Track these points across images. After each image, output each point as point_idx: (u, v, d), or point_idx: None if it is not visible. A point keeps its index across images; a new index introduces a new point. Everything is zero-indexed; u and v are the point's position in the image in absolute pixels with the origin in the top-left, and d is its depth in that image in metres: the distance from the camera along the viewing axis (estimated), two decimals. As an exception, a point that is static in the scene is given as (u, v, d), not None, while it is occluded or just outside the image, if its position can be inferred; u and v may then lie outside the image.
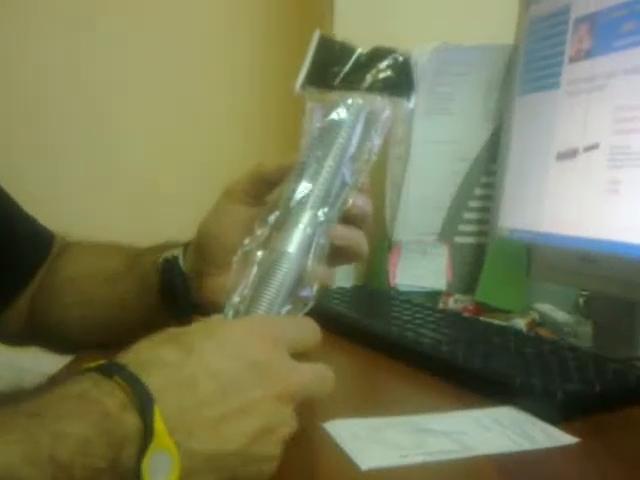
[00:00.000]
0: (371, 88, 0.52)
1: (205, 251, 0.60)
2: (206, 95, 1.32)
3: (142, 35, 1.28)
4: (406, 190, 1.01)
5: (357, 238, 0.54)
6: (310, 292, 0.49)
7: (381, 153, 0.53)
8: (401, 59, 0.53)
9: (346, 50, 0.53)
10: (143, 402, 0.36)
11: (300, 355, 0.44)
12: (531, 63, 0.90)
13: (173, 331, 0.42)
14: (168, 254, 0.64)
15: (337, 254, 0.53)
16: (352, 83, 0.52)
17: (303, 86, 0.53)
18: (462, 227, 1.03)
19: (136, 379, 0.37)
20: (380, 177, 1.02)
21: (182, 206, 1.18)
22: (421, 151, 1.01)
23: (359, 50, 0.53)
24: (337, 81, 0.52)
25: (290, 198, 0.50)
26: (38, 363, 0.75)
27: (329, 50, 0.54)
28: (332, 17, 1.16)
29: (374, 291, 1.03)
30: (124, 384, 0.37)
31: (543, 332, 0.82)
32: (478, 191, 1.02)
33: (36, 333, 0.73)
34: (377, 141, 0.52)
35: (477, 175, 1.02)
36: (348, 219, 0.53)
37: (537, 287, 0.92)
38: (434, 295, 1.00)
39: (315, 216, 0.49)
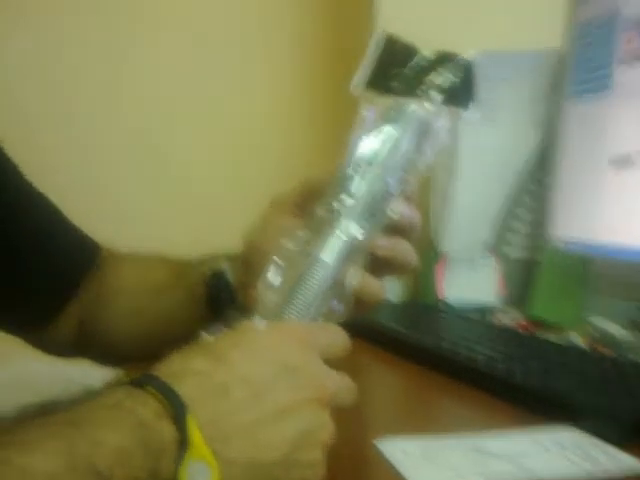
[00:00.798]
0: (430, 95, 0.50)
1: (252, 263, 0.59)
2: (249, 103, 1.31)
3: (186, 42, 1.28)
4: (453, 201, 0.99)
5: (402, 249, 0.52)
6: (342, 303, 0.47)
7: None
8: (464, 65, 0.50)
9: (409, 51, 0.51)
10: (177, 411, 0.36)
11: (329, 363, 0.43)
12: (580, 67, 0.88)
13: (203, 341, 0.42)
14: (215, 266, 0.63)
15: (383, 266, 0.51)
16: (411, 87, 0.50)
17: (360, 86, 0.51)
18: (512, 238, 1.00)
19: (169, 389, 0.37)
20: (426, 187, 1.00)
21: (228, 216, 1.17)
22: (468, 160, 0.99)
23: (422, 52, 0.51)
24: (396, 83, 0.50)
25: (333, 203, 0.48)
26: (86, 375, 0.75)
27: (391, 50, 0.52)
28: (374, 23, 1.14)
29: (422, 305, 1.01)
30: (157, 394, 0.36)
31: (600, 348, 0.78)
32: (528, 201, 1.00)
33: (85, 344, 0.73)
34: (430, 152, 0.50)
35: (526, 184, 1.00)
36: (395, 230, 0.51)
37: (590, 300, 0.89)
38: (484, 309, 0.97)
39: (357, 225, 0.48)
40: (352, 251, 0.48)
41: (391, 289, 1.00)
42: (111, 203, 1.26)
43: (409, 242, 0.52)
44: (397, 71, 0.51)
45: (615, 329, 0.85)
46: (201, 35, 1.29)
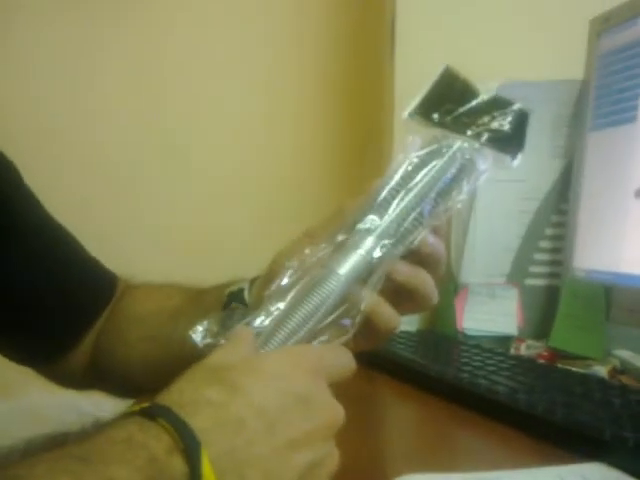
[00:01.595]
0: (479, 135, 0.49)
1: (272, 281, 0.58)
2: (272, 133, 1.32)
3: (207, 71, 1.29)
4: (473, 230, 0.98)
5: (423, 279, 0.51)
6: (352, 321, 0.46)
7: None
8: (519, 114, 0.50)
9: (467, 90, 0.51)
10: (189, 446, 0.35)
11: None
12: (604, 97, 0.87)
13: (211, 366, 0.41)
14: (234, 287, 0.62)
15: (403, 297, 0.50)
16: (462, 125, 0.50)
17: (412, 114, 0.51)
18: (533, 268, 0.98)
19: (181, 422, 0.36)
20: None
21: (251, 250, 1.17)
22: (487, 190, 0.98)
23: (479, 94, 0.51)
24: (448, 118, 0.50)
25: (358, 221, 0.48)
26: (97, 407, 0.74)
27: (450, 85, 0.51)
28: (393, 55, 1.14)
29: (441, 335, 0.99)
30: (169, 427, 0.36)
31: (626, 380, 0.76)
32: (549, 231, 0.98)
33: (99, 375, 0.72)
34: (466, 190, 0.49)
35: (547, 214, 0.98)
36: (419, 260, 0.50)
37: (613, 331, 0.87)
38: (504, 340, 0.95)
39: (378, 245, 0.47)
40: (369, 270, 0.47)
41: (409, 319, 0.99)
42: (132, 233, 1.26)
43: (429, 274, 0.51)
44: (451, 107, 0.50)
45: (639, 360, 0.83)
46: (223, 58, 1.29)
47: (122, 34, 1.24)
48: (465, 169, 0.49)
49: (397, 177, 0.48)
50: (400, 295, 0.50)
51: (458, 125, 0.50)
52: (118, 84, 1.25)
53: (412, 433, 0.65)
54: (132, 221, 1.27)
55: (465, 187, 0.49)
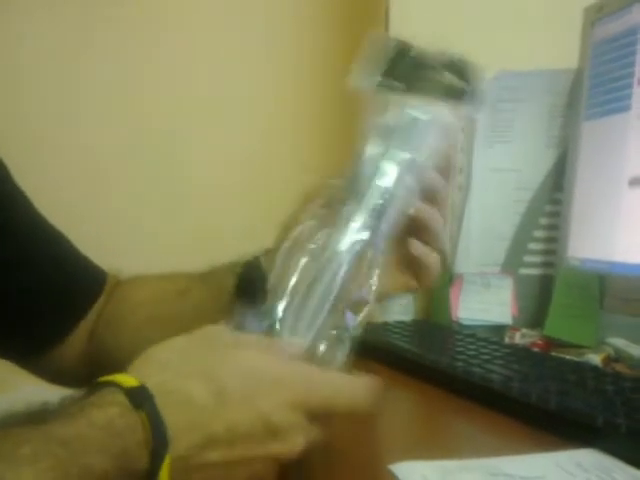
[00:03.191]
0: (437, 95, 0.52)
1: None
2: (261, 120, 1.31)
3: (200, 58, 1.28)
4: (467, 220, 0.98)
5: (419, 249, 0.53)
6: (368, 291, 0.48)
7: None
8: (471, 69, 0.53)
9: (419, 56, 0.53)
10: (156, 448, 0.37)
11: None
12: (598, 87, 0.87)
13: (208, 338, 0.44)
14: (249, 258, 0.63)
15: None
16: (419, 89, 0.52)
17: (366, 85, 0.53)
18: (527, 258, 0.99)
19: (159, 420, 0.38)
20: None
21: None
22: (482, 180, 0.98)
23: (432, 57, 0.53)
24: (405, 85, 0.52)
25: (349, 199, 0.49)
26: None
27: (402, 54, 0.54)
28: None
29: (436, 325, 0.99)
30: (147, 422, 0.37)
31: (619, 368, 0.77)
32: (543, 220, 0.99)
33: (99, 366, 0.72)
34: (441, 148, 0.51)
35: (541, 204, 0.99)
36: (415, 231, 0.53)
37: (607, 319, 0.88)
38: (499, 329, 0.96)
39: (369, 221, 0.48)
40: (366, 247, 0.48)
41: (404, 309, 0.99)
42: (125, 230, 1.25)
43: (435, 242, 0.55)
44: (406, 73, 0.53)
45: (633, 348, 0.83)
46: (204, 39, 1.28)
47: (114, 34, 1.23)
48: (433, 130, 0.51)
49: (375, 153, 0.50)
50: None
51: (417, 89, 0.52)
52: (110, 84, 1.24)
53: (407, 421, 0.66)
54: (125, 224, 1.26)
55: (438, 145, 0.51)
